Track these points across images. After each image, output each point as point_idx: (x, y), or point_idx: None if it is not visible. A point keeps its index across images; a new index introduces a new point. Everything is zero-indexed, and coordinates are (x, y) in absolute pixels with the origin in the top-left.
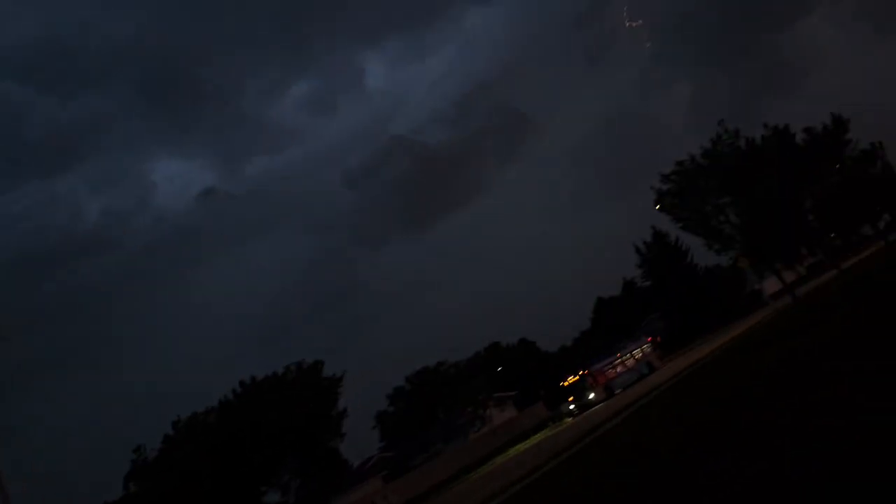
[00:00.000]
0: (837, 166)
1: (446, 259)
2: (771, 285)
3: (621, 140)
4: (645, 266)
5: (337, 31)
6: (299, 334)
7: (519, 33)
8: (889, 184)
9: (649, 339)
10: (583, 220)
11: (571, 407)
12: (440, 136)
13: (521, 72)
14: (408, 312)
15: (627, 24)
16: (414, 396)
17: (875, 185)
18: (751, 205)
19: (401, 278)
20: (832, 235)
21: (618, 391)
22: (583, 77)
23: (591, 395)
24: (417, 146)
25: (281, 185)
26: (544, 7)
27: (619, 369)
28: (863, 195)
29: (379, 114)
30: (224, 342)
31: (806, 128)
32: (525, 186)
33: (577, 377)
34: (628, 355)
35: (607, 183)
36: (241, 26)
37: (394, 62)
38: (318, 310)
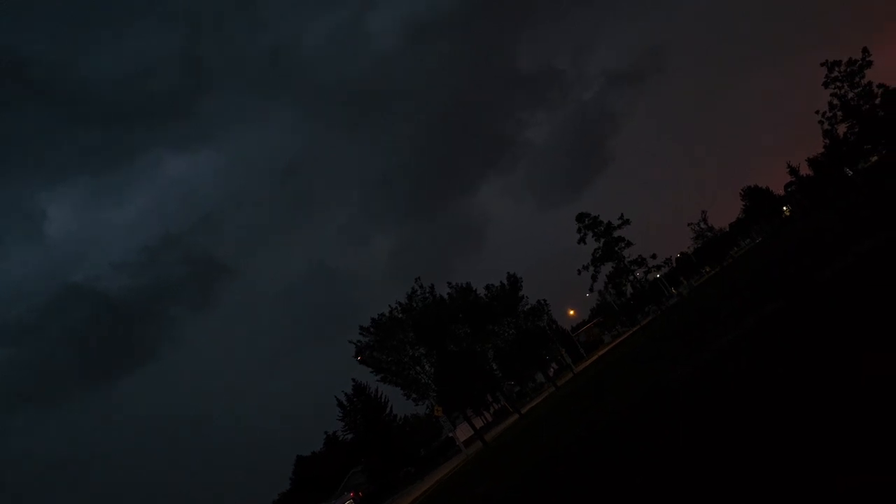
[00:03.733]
0: (513, 320)
1: (116, 426)
2: (463, 431)
3: (321, 290)
4: (347, 419)
5: (12, 167)
6: None
7: (221, 183)
8: (553, 335)
9: (352, 493)
10: (281, 374)
11: None
12: (125, 284)
13: (221, 220)
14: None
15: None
16: None
17: (542, 337)
18: (442, 356)
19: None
20: (512, 383)
21: None
22: (285, 228)
23: None
24: (97, 295)
25: None
26: (250, 159)
27: None
28: (533, 345)
29: (58, 260)
30: None
31: (487, 285)
32: (217, 338)
33: None
34: None
35: (305, 333)
36: None
37: (80, 206)
38: None
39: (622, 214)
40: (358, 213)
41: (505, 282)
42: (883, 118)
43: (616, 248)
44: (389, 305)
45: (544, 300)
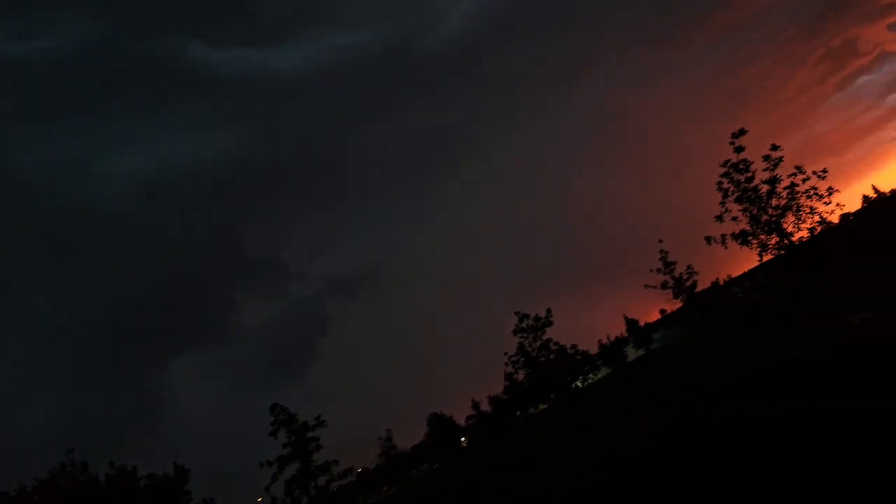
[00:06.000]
0: None
1: None
2: None
3: None
4: None
5: None
6: None
7: None
8: None
9: None
10: None
11: None
12: None
13: None
14: None
15: None
16: None
17: None
18: None
19: None
20: None
21: None
22: None
23: None
24: None
25: None
26: None
27: None
28: None
29: None
30: None
31: (150, 474)
32: None
33: None
34: None
35: None
36: None
37: None
38: None
39: (319, 415)
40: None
41: (171, 472)
42: (552, 371)
43: (306, 449)
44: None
45: (212, 498)
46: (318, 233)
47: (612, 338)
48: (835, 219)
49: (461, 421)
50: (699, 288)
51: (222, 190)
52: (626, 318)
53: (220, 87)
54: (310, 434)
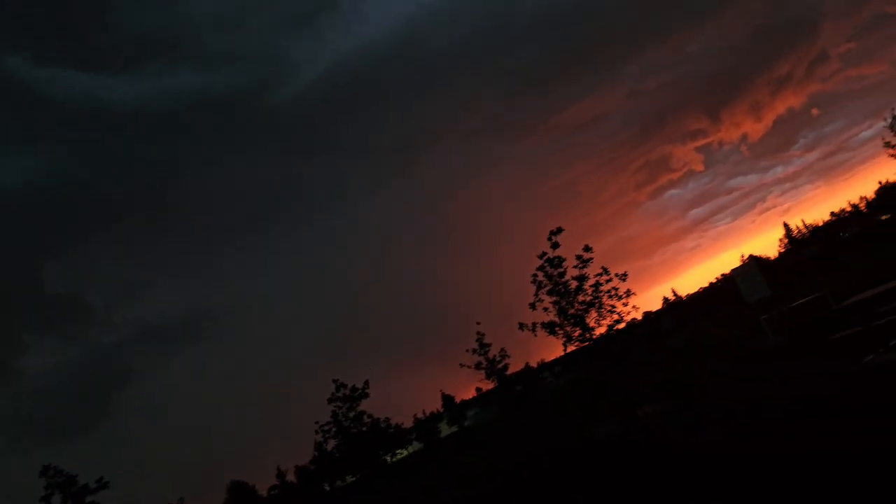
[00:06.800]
0: None
1: None
2: None
3: None
4: None
5: None
6: None
7: None
8: None
9: None
10: None
11: None
12: None
13: None
14: None
15: None
16: None
17: None
18: None
19: None
20: None
21: None
22: None
23: None
24: None
25: None
26: None
27: None
28: None
29: None
30: None
31: None
32: None
33: None
34: None
35: None
36: None
37: None
38: None
39: (102, 477)
40: None
41: None
42: (364, 444)
43: None
44: None
45: None
46: (131, 276)
47: (428, 413)
48: (638, 316)
49: (264, 491)
50: (512, 370)
51: (22, 215)
52: (442, 394)
53: (39, 108)
54: (89, 499)
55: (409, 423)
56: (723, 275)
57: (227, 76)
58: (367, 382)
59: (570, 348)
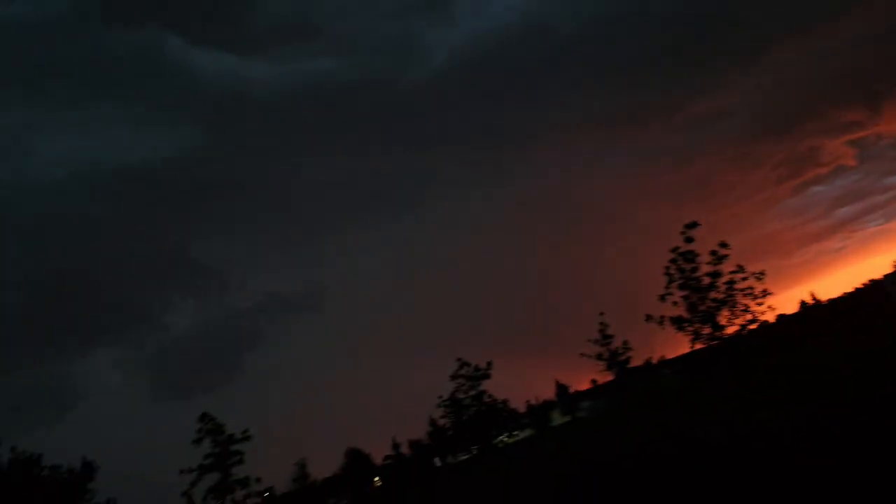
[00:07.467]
0: None
1: None
2: None
3: None
4: None
5: None
6: None
7: None
8: None
9: None
10: None
11: None
12: None
13: None
14: None
15: None
16: None
17: None
18: None
19: None
20: None
21: None
22: None
23: None
24: None
25: None
26: None
27: None
28: None
29: None
30: None
31: (54, 465)
32: None
33: None
34: None
35: None
36: None
37: None
38: None
39: (247, 429)
40: None
41: (77, 466)
42: (480, 423)
43: (228, 462)
44: None
45: (114, 498)
46: (264, 249)
47: (541, 400)
48: (770, 318)
49: (378, 460)
50: (632, 364)
51: (172, 189)
52: (556, 382)
53: (194, 89)
54: (234, 447)
55: (522, 409)
56: (871, 280)
57: (360, 61)
58: (490, 363)
59: (698, 346)
